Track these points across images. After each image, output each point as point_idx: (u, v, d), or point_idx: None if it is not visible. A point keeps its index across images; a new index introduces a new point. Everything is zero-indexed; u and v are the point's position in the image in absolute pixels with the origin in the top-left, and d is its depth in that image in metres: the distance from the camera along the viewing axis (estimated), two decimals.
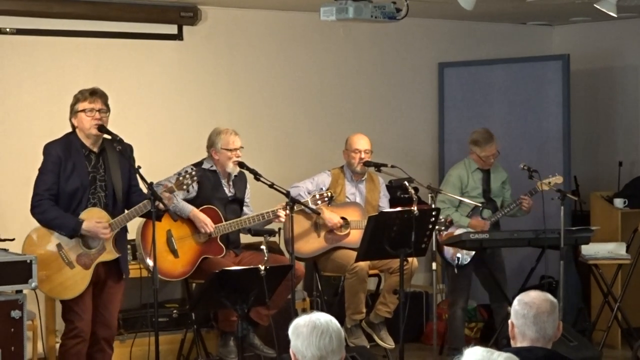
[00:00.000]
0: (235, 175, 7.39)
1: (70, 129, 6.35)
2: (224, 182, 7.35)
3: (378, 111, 9.48)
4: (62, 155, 6.22)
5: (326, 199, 7.37)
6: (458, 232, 7.83)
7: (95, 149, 6.31)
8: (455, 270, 7.90)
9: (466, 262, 7.87)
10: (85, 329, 6.28)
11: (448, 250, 7.92)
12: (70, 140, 6.28)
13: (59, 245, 6.24)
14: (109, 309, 6.41)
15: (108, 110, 6.30)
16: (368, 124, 9.10)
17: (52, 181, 6.20)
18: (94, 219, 6.22)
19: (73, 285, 6.26)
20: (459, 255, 7.86)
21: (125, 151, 6.31)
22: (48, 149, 6.28)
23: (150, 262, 6.60)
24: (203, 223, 7.10)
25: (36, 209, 6.23)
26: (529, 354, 3.88)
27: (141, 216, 6.41)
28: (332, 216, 7.71)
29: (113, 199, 6.34)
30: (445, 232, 7.83)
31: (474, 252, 7.81)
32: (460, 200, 7.89)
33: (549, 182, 7.82)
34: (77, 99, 6.28)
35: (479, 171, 8.09)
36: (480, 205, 7.93)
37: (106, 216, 6.28)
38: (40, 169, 6.28)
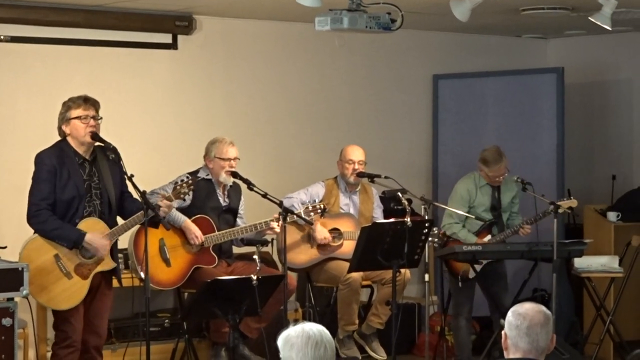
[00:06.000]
0: (230, 186, 7.38)
1: (58, 137, 6.31)
2: (218, 191, 7.34)
3: (372, 122, 9.48)
4: (57, 163, 6.15)
5: (319, 210, 7.33)
6: None
7: (88, 157, 6.28)
8: (460, 284, 7.86)
9: (471, 277, 7.83)
10: (78, 338, 6.26)
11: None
12: (62, 149, 6.23)
13: (56, 256, 6.16)
14: (101, 317, 6.40)
15: (100, 117, 6.29)
16: (362, 135, 9.10)
17: (49, 190, 6.13)
18: (96, 232, 6.19)
19: (71, 296, 6.20)
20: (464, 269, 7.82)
21: (117, 158, 6.27)
22: (41, 157, 6.21)
23: (141, 271, 6.58)
24: (194, 235, 7.08)
25: (34, 219, 6.15)
26: None
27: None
28: (321, 231, 7.69)
29: (108, 206, 6.31)
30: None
31: (481, 267, 7.77)
32: (466, 216, 7.81)
33: (563, 205, 7.72)
34: (68, 106, 6.24)
35: (489, 186, 7.96)
36: (486, 221, 7.86)
37: (104, 226, 6.25)
38: (34, 178, 6.21)
